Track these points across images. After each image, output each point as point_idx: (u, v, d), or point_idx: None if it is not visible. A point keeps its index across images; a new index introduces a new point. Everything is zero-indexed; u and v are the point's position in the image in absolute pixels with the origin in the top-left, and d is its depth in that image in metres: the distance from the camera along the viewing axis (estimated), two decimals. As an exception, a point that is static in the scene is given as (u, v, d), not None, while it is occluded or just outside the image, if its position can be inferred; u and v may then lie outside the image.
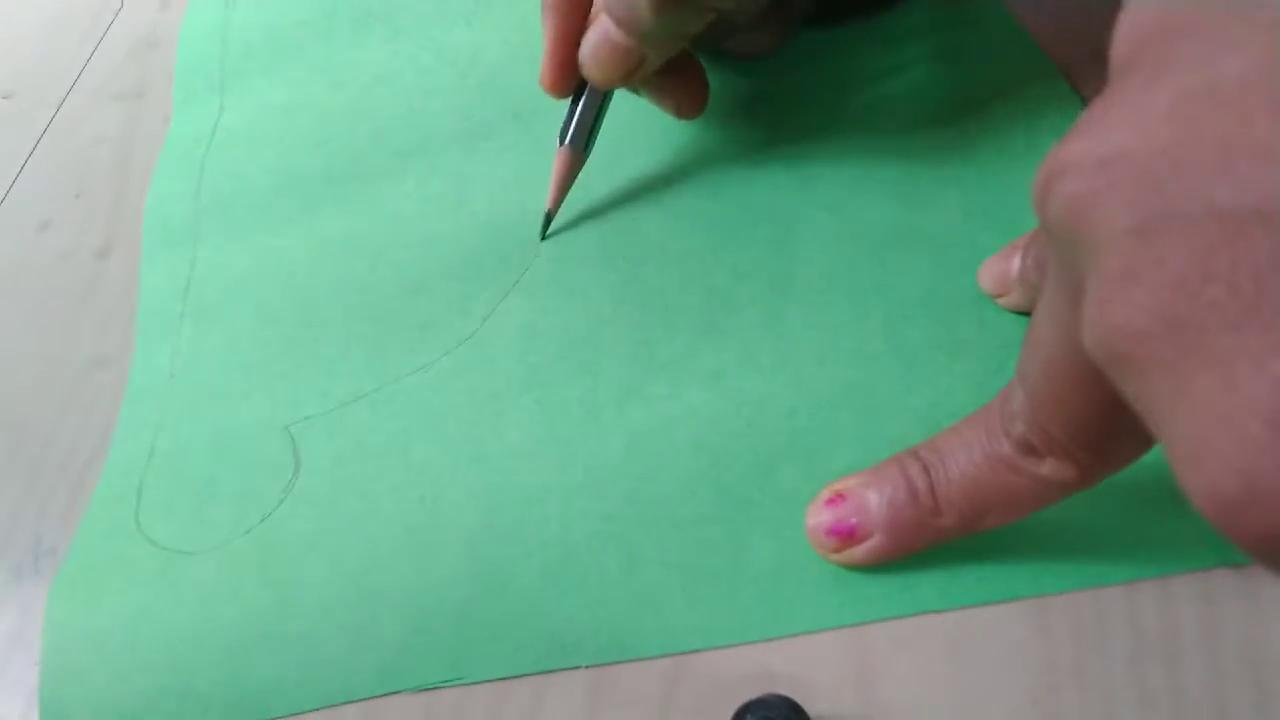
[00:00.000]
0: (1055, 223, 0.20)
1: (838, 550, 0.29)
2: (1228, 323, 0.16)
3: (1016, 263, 0.33)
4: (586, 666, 0.29)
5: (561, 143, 0.41)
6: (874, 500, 0.28)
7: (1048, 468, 0.25)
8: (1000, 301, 0.34)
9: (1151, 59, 0.19)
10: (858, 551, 0.29)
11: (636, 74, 0.38)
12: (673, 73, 0.40)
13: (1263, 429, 0.16)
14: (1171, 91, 0.18)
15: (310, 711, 0.30)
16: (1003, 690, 0.27)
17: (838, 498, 0.29)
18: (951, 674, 0.27)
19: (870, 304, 0.36)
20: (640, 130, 0.44)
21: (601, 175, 0.43)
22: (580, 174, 0.42)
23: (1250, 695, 0.26)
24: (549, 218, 0.41)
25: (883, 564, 0.29)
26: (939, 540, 0.28)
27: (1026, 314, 0.34)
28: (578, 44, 0.38)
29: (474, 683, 0.30)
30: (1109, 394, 0.22)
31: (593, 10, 0.39)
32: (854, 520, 0.29)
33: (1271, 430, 0.16)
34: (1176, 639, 0.27)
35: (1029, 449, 0.25)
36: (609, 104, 0.41)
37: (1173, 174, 0.17)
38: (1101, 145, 0.19)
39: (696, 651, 0.29)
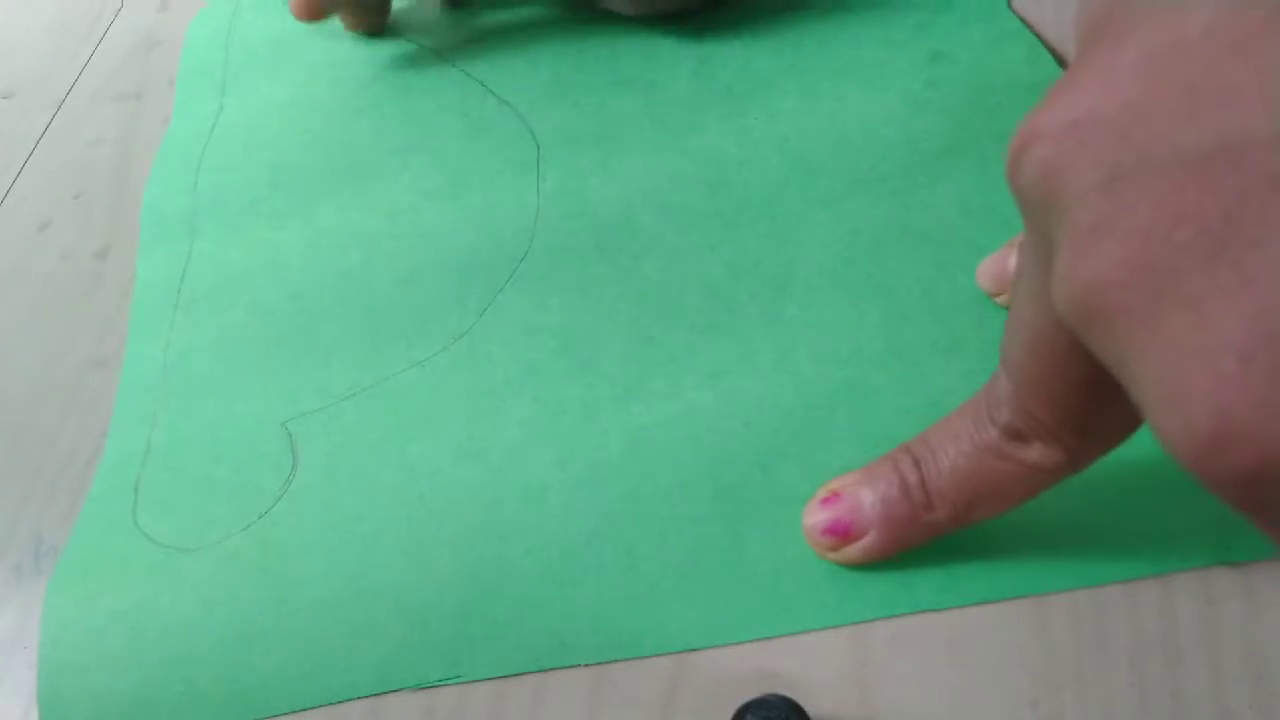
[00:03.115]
0: (1027, 190, 0.20)
1: (834, 549, 0.29)
2: (1198, 262, 0.16)
3: (1014, 261, 0.33)
4: (585, 665, 0.29)
5: None
6: (868, 498, 0.28)
7: (1035, 453, 0.25)
8: (999, 300, 0.34)
9: (1117, 25, 0.19)
10: (853, 550, 0.29)
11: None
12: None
13: (1236, 363, 0.15)
14: (1137, 50, 0.18)
15: (309, 710, 0.30)
16: (1003, 690, 0.27)
17: (832, 497, 0.29)
18: (951, 674, 0.27)
19: (869, 303, 0.36)
20: (638, 127, 0.44)
21: (599, 171, 0.42)
22: (578, 170, 0.42)
23: (1250, 695, 0.26)
24: None
25: (879, 561, 0.29)
26: (933, 535, 0.28)
27: None
28: None
29: (473, 681, 0.30)
30: (1091, 369, 0.21)
31: None
32: (849, 519, 0.29)
33: (1245, 364, 0.15)
34: (1176, 639, 0.27)
35: (1016, 435, 0.25)
36: None
37: (1139, 125, 0.17)
38: (1069, 109, 0.19)
39: (696, 651, 0.29)
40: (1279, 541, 0.17)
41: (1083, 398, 0.23)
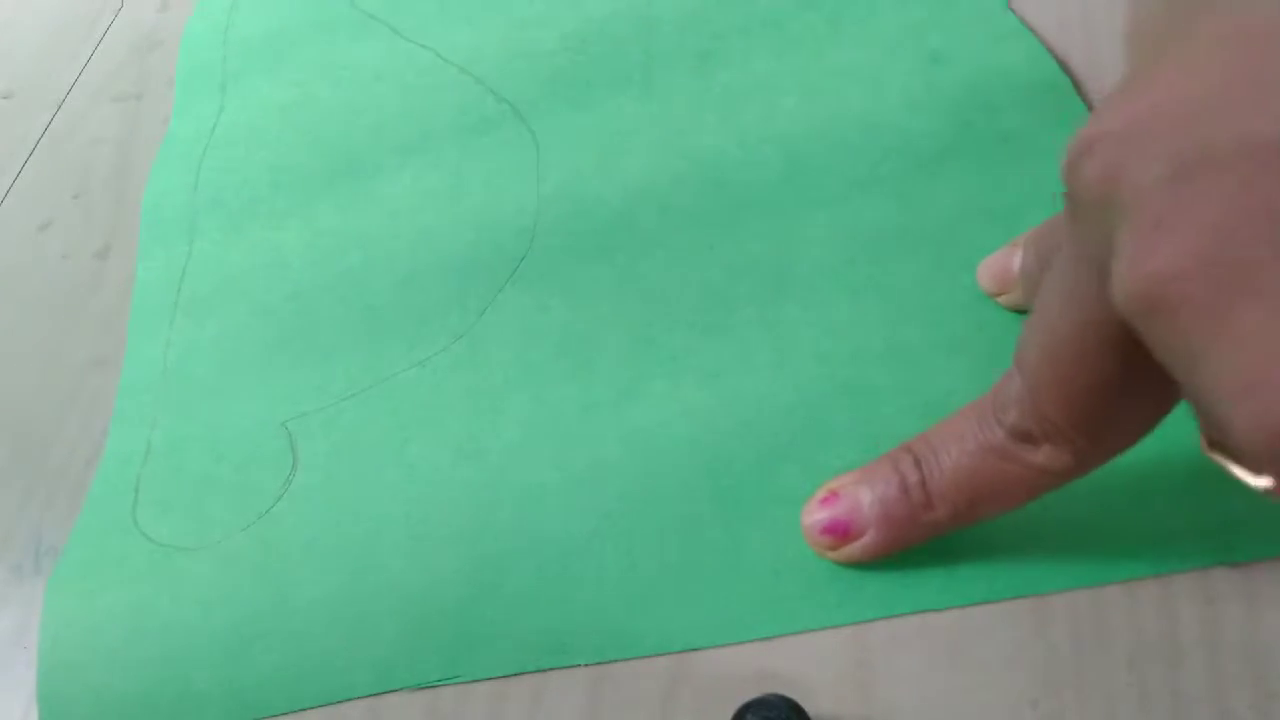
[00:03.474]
0: (1084, 190, 0.19)
1: (833, 548, 0.29)
2: (1271, 253, 0.16)
3: (1017, 261, 0.33)
4: (585, 665, 0.29)
5: None
6: (867, 497, 0.28)
7: (1042, 455, 0.25)
8: (1000, 300, 0.34)
9: (1177, 27, 0.19)
10: (852, 549, 0.29)
11: None
12: None
13: None
14: (1202, 47, 0.18)
15: (309, 709, 0.30)
16: (1003, 690, 0.26)
17: (831, 496, 0.29)
18: (951, 674, 0.27)
19: (868, 302, 0.35)
20: (637, 127, 0.44)
21: (599, 171, 0.42)
22: (577, 169, 0.42)
23: (1250, 695, 0.25)
24: None
25: (878, 560, 0.29)
26: (933, 534, 0.28)
27: (1026, 312, 0.33)
28: None
29: (471, 681, 0.29)
30: (1114, 371, 0.21)
31: None
32: (848, 518, 0.28)
33: None
34: (1176, 639, 0.26)
35: (1024, 436, 0.25)
36: None
37: (1204, 118, 0.17)
38: (1130, 108, 0.18)
39: (696, 651, 0.29)
40: None
41: (1101, 399, 0.23)
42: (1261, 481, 0.20)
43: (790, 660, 0.28)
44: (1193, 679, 0.26)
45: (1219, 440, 0.21)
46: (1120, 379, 0.21)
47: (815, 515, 0.29)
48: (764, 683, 0.28)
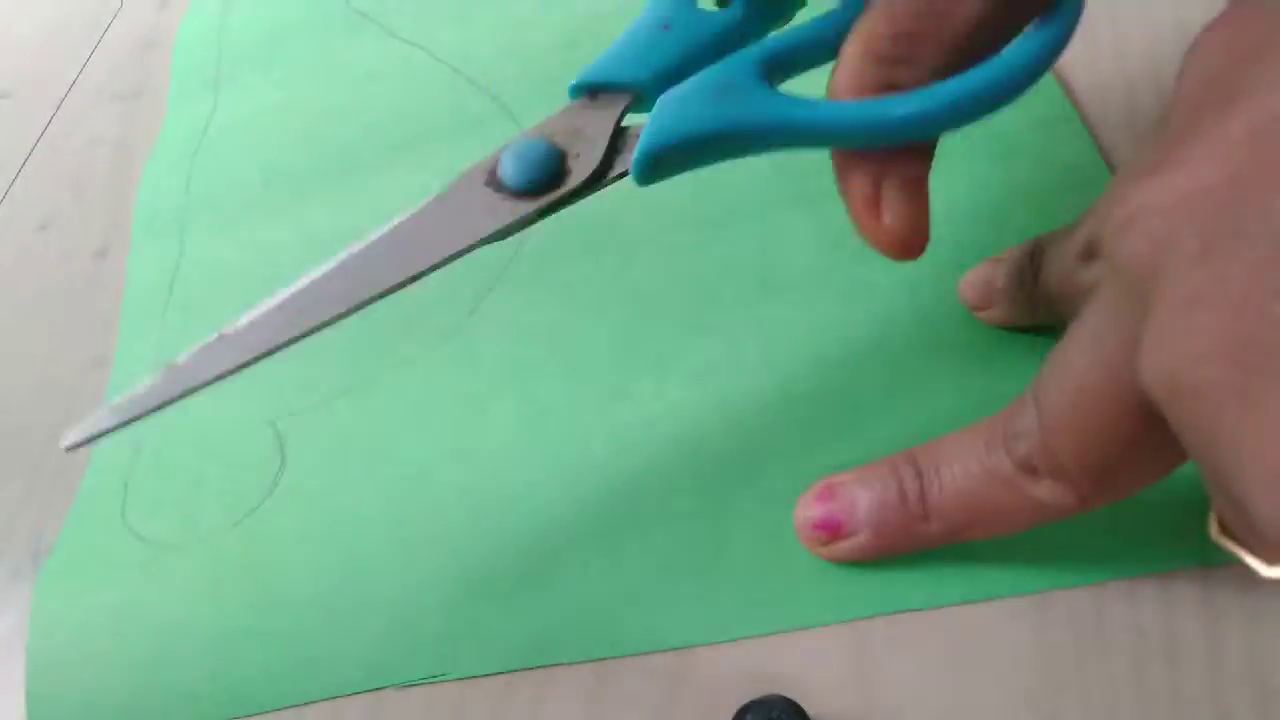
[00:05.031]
0: (1129, 259, 0.18)
1: (823, 545, 0.28)
2: None
3: (999, 277, 0.31)
4: (586, 664, 0.28)
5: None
6: (863, 499, 0.27)
7: (1045, 491, 0.23)
8: (980, 315, 0.32)
9: (1224, 91, 0.17)
10: (841, 547, 0.27)
11: None
12: None
13: None
14: (1246, 123, 0.17)
15: (306, 706, 0.28)
16: (1003, 690, 0.25)
17: (827, 492, 0.28)
18: (951, 674, 0.26)
19: (854, 303, 0.34)
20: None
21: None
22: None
23: (1250, 695, 0.24)
24: None
25: (866, 561, 0.27)
26: (925, 545, 0.27)
27: (1007, 329, 0.32)
28: None
29: (470, 679, 0.28)
30: (1133, 429, 0.20)
31: None
32: (841, 516, 0.27)
33: None
34: (1176, 639, 0.25)
35: (1029, 469, 0.23)
36: None
37: (1239, 197, 0.16)
38: (1176, 183, 0.17)
39: (697, 651, 0.27)
40: None
41: (1115, 452, 0.22)
42: (1276, 573, 0.19)
43: (790, 660, 0.27)
44: (1193, 679, 0.25)
45: (1230, 526, 0.20)
46: (1138, 436, 0.20)
47: (810, 511, 0.28)
48: (764, 683, 0.26)
